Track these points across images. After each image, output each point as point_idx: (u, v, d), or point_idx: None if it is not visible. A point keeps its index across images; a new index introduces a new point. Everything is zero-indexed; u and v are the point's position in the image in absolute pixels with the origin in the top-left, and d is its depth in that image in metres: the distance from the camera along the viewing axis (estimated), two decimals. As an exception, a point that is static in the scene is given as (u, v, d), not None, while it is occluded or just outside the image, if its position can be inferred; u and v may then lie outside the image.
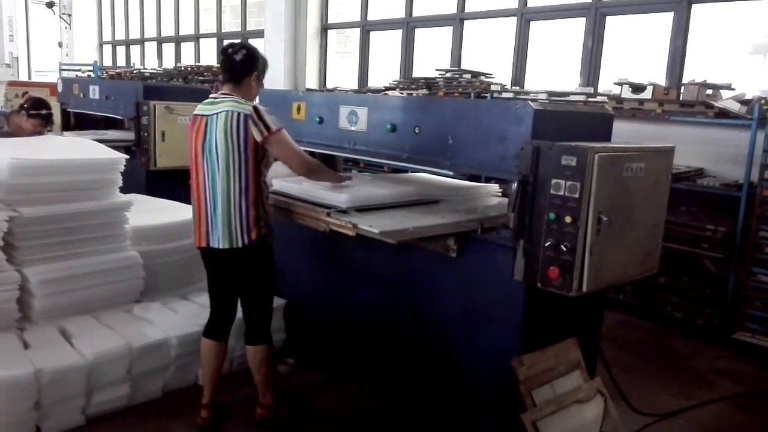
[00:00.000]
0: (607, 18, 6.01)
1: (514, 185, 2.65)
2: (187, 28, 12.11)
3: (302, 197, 3.11)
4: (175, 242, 3.92)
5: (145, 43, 13.46)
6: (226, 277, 3.00)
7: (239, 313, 3.11)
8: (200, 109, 2.88)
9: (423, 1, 7.84)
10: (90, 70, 11.64)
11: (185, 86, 8.49)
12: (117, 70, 11.55)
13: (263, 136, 2.75)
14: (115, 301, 3.59)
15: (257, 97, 3.07)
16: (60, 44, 14.85)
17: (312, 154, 3.88)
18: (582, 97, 5.38)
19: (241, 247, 2.81)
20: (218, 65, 10.05)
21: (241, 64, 2.87)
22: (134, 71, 11.02)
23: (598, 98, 5.35)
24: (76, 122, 7.05)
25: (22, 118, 5.02)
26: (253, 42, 10.23)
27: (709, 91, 4.83)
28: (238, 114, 2.73)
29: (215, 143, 2.75)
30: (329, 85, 8.85)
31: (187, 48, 12.17)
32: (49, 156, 3.54)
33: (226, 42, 3.16)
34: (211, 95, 2.91)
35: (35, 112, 4.95)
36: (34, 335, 3.19)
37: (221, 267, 2.97)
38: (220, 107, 2.78)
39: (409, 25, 7.93)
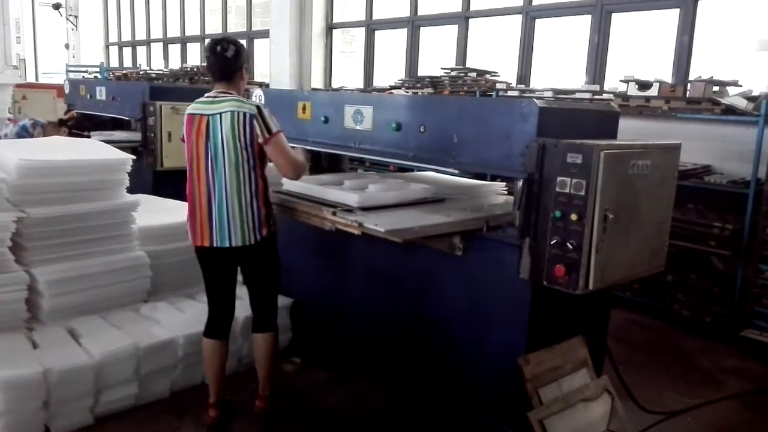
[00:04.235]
0: (613, 15, 5.98)
1: (520, 183, 2.65)
2: (192, 29, 12.15)
3: (311, 196, 3.12)
4: (181, 242, 3.90)
5: (151, 44, 13.52)
6: (229, 274, 3.03)
7: (239, 312, 3.14)
8: (197, 108, 2.85)
9: (428, 0, 7.83)
10: (96, 72, 11.70)
11: (191, 87, 8.52)
12: (123, 71, 11.60)
13: (264, 138, 2.76)
14: (122, 301, 3.61)
15: (262, 97, 3.07)
16: (67, 46, 14.95)
17: (318, 153, 3.91)
18: (588, 95, 5.37)
19: (254, 244, 2.85)
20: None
21: (233, 60, 2.85)
22: (140, 72, 11.06)
23: (604, 96, 5.34)
24: (83, 123, 7.09)
25: (61, 132, 5.00)
26: (258, 42, 10.28)
27: (716, 88, 4.81)
28: (244, 114, 2.74)
29: (221, 144, 2.75)
30: (334, 84, 8.85)
31: (193, 49, 12.21)
32: (56, 157, 3.56)
33: (208, 40, 3.05)
34: (207, 94, 2.88)
35: (78, 132, 4.90)
36: (42, 335, 3.21)
37: (225, 265, 2.99)
38: (223, 107, 2.77)
39: (414, 23, 7.93)
